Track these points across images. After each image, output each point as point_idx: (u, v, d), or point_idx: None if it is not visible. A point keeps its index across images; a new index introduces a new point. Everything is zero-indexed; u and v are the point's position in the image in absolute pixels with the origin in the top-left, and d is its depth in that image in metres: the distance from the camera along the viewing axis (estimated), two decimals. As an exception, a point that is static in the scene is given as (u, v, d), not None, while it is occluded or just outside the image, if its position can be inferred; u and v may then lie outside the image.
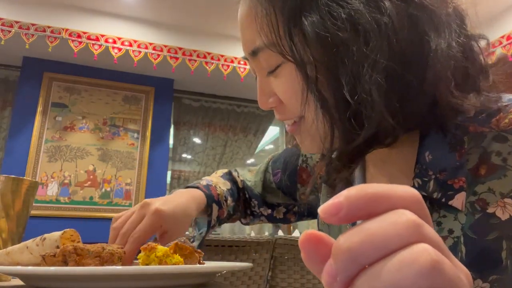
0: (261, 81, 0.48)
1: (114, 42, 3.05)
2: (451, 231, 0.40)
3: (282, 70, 0.45)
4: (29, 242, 0.52)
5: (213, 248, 1.37)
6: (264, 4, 0.43)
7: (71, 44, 2.94)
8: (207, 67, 3.22)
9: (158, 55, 3.13)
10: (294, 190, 0.73)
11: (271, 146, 5.21)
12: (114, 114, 3.53)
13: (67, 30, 2.95)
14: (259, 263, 1.46)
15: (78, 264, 0.42)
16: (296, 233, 3.26)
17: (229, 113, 4.14)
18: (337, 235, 0.45)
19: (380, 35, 0.37)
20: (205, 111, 4.08)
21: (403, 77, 0.38)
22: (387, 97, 0.37)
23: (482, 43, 0.43)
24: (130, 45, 3.08)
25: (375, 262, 0.16)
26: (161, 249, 0.44)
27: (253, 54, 0.47)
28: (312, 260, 0.18)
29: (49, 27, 2.92)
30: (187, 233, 0.72)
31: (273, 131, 4.66)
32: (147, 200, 0.61)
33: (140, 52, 3.10)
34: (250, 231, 4.29)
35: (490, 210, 0.38)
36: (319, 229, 0.60)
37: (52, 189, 3.23)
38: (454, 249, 0.39)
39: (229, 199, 0.74)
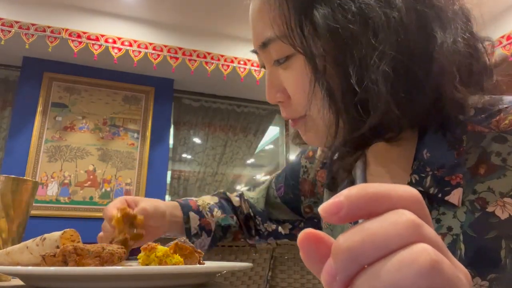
0: (270, 73, 0.49)
1: (114, 42, 3.05)
2: (450, 228, 0.40)
3: (291, 62, 0.45)
4: (29, 242, 0.52)
5: (213, 248, 1.37)
6: None
7: (71, 44, 2.94)
8: (207, 67, 3.22)
9: (158, 55, 3.13)
10: (298, 203, 0.73)
11: (271, 146, 5.21)
12: (114, 114, 3.53)
13: (67, 30, 2.95)
14: (259, 263, 1.46)
15: (78, 264, 0.42)
16: (296, 233, 3.26)
17: (229, 113, 4.14)
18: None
19: (389, 28, 0.38)
20: (205, 111, 4.08)
21: (409, 69, 0.38)
22: (393, 87, 0.38)
23: (487, 44, 0.45)
24: (130, 45, 3.08)
25: (375, 261, 0.16)
26: (161, 249, 0.44)
27: (263, 46, 0.47)
28: (311, 259, 0.18)
29: (49, 27, 2.92)
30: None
31: (273, 131, 4.66)
32: None
33: (140, 52, 3.10)
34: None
35: (489, 209, 0.38)
36: None
37: (52, 189, 3.23)
38: (453, 246, 0.39)
39: (217, 211, 0.76)
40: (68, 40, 2.94)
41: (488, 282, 0.37)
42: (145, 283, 0.42)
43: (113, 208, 0.61)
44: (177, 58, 3.16)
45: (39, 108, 3.31)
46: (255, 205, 0.79)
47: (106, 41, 3.02)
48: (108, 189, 3.37)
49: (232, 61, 3.28)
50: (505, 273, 0.36)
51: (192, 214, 0.73)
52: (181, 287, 0.43)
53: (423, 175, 0.42)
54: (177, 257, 0.45)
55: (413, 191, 0.18)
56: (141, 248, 0.45)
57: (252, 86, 3.44)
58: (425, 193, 0.42)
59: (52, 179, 3.25)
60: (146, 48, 3.11)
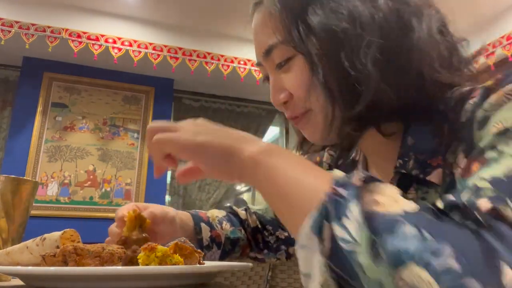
0: (274, 79, 0.54)
1: (114, 42, 3.05)
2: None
3: (292, 64, 0.51)
4: (29, 242, 0.52)
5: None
6: (277, 4, 0.51)
7: (71, 44, 2.94)
8: (207, 67, 3.22)
9: (158, 55, 3.13)
10: None
11: (271, 146, 5.20)
12: (114, 114, 3.53)
13: (67, 30, 2.95)
14: (259, 263, 1.46)
15: (78, 264, 0.42)
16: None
17: (229, 113, 4.14)
18: None
19: (374, 23, 0.45)
20: (205, 111, 4.08)
21: (393, 53, 0.45)
22: (380, 68, 0.44)
23: (464, 43, 0.52)
24: (130, 45, 3.08)
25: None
26: (161, 249, 0.44)
27: (266, 53, 0.53)
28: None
29: (49, 27, 2.92)
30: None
31: (273, 131, 4.66)
32: None
33: (140, 52, 3.10)
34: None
35: (455, 172, 0.43)
36: None
37: (52, 189, 3.23)
38: None
39: (226, 224, 0.75)
40: (68, 40, 2.94)
41: None
42: (145, 283, 0.42)
43: (126, 209, 0.62)
44: (177, 58, 3.16)
45: (39, 108, 3.31)
46: (263, 215, 0.79)
47: (106, 41, 3.02)
48: (108, 189, 3.37)
49: (232, 61, 3.28)
50: None
51: (203, 225, 0.72)
52: (181, 287, 0.43)
53: (406, 159, 0.47)
54: (177, 257, 0.45)
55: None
56: (141, 248, 0.45)
57: (252, 86, 3.44)
58: (410, 176, 0.46)
59: (52, 179, 3.25)
60: (146, 48, 3.11)
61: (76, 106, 3.44)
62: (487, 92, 0.41)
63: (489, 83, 0.43)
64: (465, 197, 0.31)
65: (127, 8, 3.05)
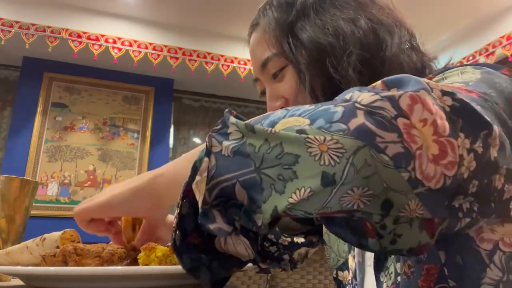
0: (270, 89, 0.60)
1: (114, 42, 3.05)
2: None
3: (285, 73, 0.58)
4: (29, 242, 0.52)
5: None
6: (271, 21, 0.59)
7: (71, 44, 2.94)
8: (207, 67, 3.22)
9: (158, 55, 3.13)
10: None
11: (271, 146, 5.21)
12: (114, 114, 3.53)
13: (67, 30, 2.95)
14: (262, 274, 1.46)
15: (78, 264, 0.42)
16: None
17: (229, 113, 4.14)
18: (335, 240, 0.57)
19: (354, 38, 0.53)
20: (205, 111, 4.08)
21: (369, 61, 0.52)
22: (359, 73, 0.51)
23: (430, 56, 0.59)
24: (130, 45, 3.08)
25: None
26: (161, 249, 0.44)
27: (263, 66, 0.60)
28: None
29: (49, 27, 2.92)
30: None
31: (273, 131, 4.67)
32: None
33: (140, 52, 3.10)
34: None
35: None
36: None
37: (52, 189, 3.23)
38: None
39: None
40: (68, 40, 2.94)
41: None
42: (145, 283, 0.42)
43: None
44: (177, 58, 3.16)
45: (39, 108, 3.31)
46: None
47: (106, 41, 3.02)
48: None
49: (232, 61, 3.28)
50: None
51: None
52: (181, 287, 0.43)
53: None
54: (177, 257, 0.45)
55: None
56: (141, 248, 0.45)
57: (252, 86, 3.42)
58: None
59: (52, 179, 3.25)
60: (146, 48, 3.11)
61: (76, 106, 3.44)
62: None
63: None
64: None
65: (127, 8, 3.05)
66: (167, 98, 3.73)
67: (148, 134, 3.56)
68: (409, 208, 0.28)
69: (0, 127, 3.49)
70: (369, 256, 0.53)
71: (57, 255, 0.43)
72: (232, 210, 0.30)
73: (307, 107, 0.32)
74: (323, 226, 0.66)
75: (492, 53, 2.97)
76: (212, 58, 3.24)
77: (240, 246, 0.36)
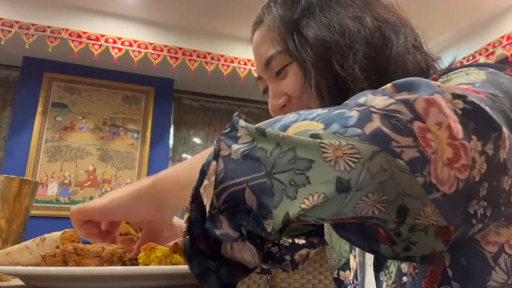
0: (273, 87, 0.60)
1: (114, 42, 3.05)
2: None
3: (288, 70, 0.58)
4: (29, 242, 0.52)
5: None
6: (276, 18, 0.58)
7: (71, 44, 2.94)
8: (207, 67, 3.22)
9: (158, 55, 3.13)
10: None
11: (271, 146, 5.21)
12: (114, 114, 3.53)
13: (67, 30, 2.95)
14: (263, 275, 1.46)
15: (78, 264, 0.42)
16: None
17: (229, 113, 4.14)
18: (337, 240, 0.56)
19: (360, 36, 0.53)
20: (205, 111, 4.08)
21: (375, 59, 0.52)
22: (365, 71, 0.51)
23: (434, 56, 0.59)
24: (130, 45, 3.08)
25: None
26: (161, 249, 0.44)
27: (267, 64, 0.59)
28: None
29: (49, 27, 2.92)
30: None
31: (273, 131, 4.67)
32: None
33: (140, 52, 3.10)
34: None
35: None
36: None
37: (52, 189, 3.23)
38: None
39: None
40: (68, 40, 2.94)
41: None
42: (145, 283, 0.42)
43: None
44: (177, 58, 3.17)
45: (39, 108, 3.31)
46: None
47: (106, 41, 3.02)
48: (108, 189, 3.36)
49: (232, 61, 3.28)
50: None
51: None
52: (181, 287, 0.43)
53: None
54: (177, 257, 0.45)
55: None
56: (141, 248, 0.45)
57: (252, 86, 3.42)
58: None
59: (52, 179, 3.25)
60: (146, 48, 3.11)
61: (76, 106, 3.44)
62: None
63: None
64: None
65: (127, 8, 3.05)
66: (167, 98, 3.73)
67: (148, 134, 3.56)
68: (424, 215, 0.28)
69: (0, 127, 3.49)
70: (370, 256, 0.52)
71: (57, 255, 0.43)
72: (240, 215, 0.30)
73: (319, 111, 0.31)
74: (325, 226, 0.66)
75: (492, 53, 2.97)
76: (212, 58, 3.24)
77: (246, 253, 0.35)
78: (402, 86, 0.31)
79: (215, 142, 0.31)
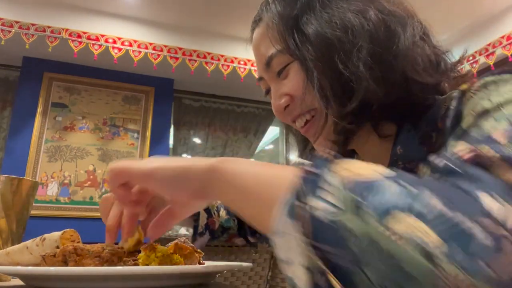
0: (275, 87, 0.58)
1: (114, 42, 3.05)
2: None
3: (289, 69, 0.56)
4: (29, 242, 0.52)
5: (213, 248, 1.37)
6: (275, 16, 0.56)
7: (71, 44, 2.94)
8: (207, 67, 3.22)
9: (158, 55, 3.13)
10: None
11: (271, 146, 5.21)
12: (114, 114, 3.53)
13: (67, 30, 2.95)
14: (259, 263, 1.46)
15: (78, 264, 0.42)
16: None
17: (229, 113, 4.14)
18: None
19: (364, 32, 0.50)
20: (205, 111, 4.08)
21: (381, 56, 0.49)
22: (370, 68, 0.48)
23: (444, 50, 0.55)
24: (130, 45, 3.08)
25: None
26: (161, 249, 0.44)
27: (267, 64, 0.57)
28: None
29: (49, 27, 2.92)
30: (186, 233, 0.73)
31: (273, 131, 4.66)
32: None
33: (140, 52, 3.10)
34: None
35: None
36: None
37: (52, 189, 3.23)
38: None
39: (223, 211, 0.78)
40: (68, 40, 2.94)
41: None
42: (145, 283, 0.42)
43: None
44: (177, 58, 3.16)
45: (39, 108, 3.31)
46: None
47: (106, 41, 3.02)
48: (108, 189, 3.36)
49: (232, 61, 3.28)
50: None
51: (202, 212, 0.75)
52: (181, 287, 0.43)
53: (395, 168, 0.49)
54: (177, 257, 0.45)
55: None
56: (141, 248, 0.45)
57: (252, 86, 3.43)
58: None
59: (52, 179, 3.25)
60: (146, 48, 3.11)
61: (76, 106, 3.44)
62: (462, 94, 0.43)
63: (464, 86, 0.44)
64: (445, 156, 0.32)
65: (127, 8, 3.05)
66: (167, 98, 3.73)
67: (148, 134, 3.56)
68: None
69: (0, 127, 3.49)
70: None
71: (57, 255, 0.43)
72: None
73: (434, 203, 0.24)
74: None
75: (492, 53, 2.97)
76: (212, 58, 3.24)
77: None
78: None
79: (295, 175, 0.28)
